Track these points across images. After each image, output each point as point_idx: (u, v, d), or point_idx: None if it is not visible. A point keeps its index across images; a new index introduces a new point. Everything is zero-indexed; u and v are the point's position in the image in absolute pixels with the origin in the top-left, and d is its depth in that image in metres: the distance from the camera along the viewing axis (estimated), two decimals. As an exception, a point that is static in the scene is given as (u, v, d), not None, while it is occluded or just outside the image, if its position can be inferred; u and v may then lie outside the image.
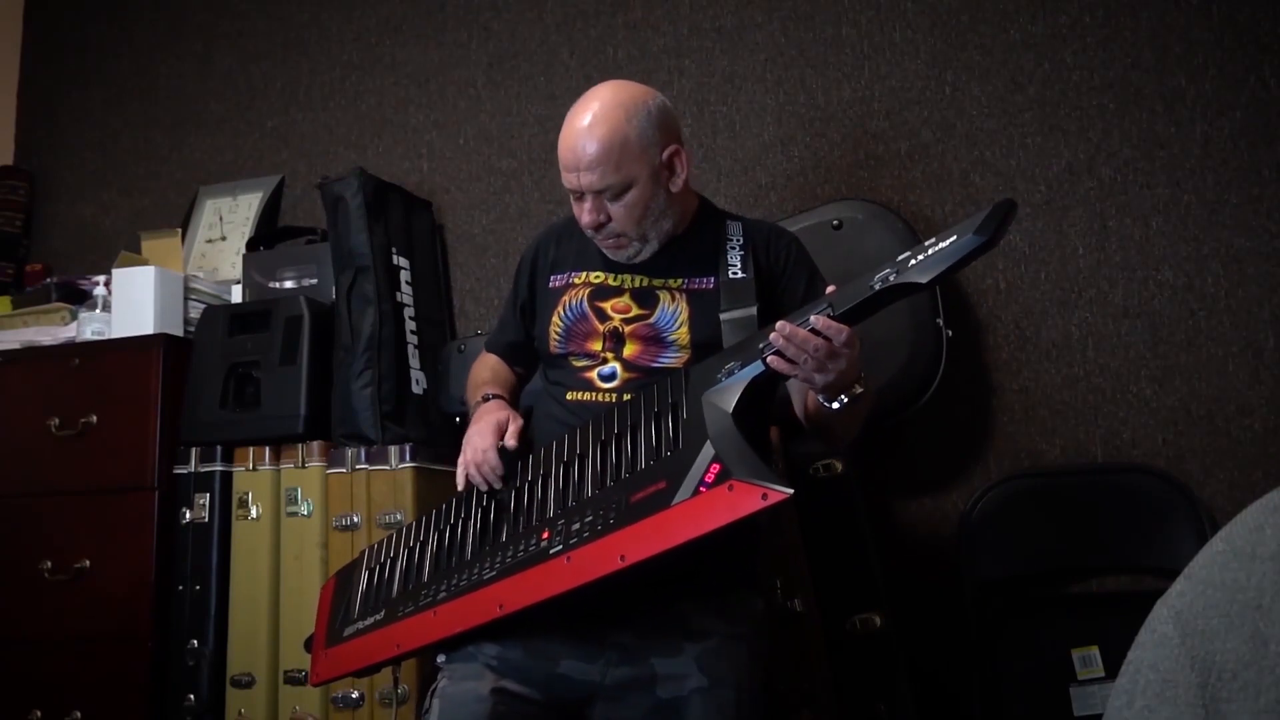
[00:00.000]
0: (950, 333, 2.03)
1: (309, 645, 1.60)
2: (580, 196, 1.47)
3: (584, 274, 1.55)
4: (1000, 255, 2.16)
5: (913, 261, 1.16)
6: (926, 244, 1.17)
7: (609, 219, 1.46)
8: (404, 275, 2.38)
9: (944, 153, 2.23)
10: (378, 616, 1.45)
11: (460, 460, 1.47)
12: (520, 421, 1.49)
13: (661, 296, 1.49)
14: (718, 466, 1.18)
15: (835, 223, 2.08)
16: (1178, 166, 2.08)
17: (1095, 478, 2.02)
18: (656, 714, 1.33)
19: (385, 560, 1.54)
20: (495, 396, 1.57)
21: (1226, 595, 0.76)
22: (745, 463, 1.17)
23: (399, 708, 1.96)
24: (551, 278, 1.59)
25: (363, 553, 1.63)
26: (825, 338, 1.22)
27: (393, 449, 2.12)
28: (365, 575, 1.56)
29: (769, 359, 1.26)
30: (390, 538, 1.58)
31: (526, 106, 2.62)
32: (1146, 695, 0.78)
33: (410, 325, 2.35)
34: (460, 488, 1.47)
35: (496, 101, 2.65)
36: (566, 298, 1.54)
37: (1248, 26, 2.06)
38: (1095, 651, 1.86)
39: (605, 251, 1.52)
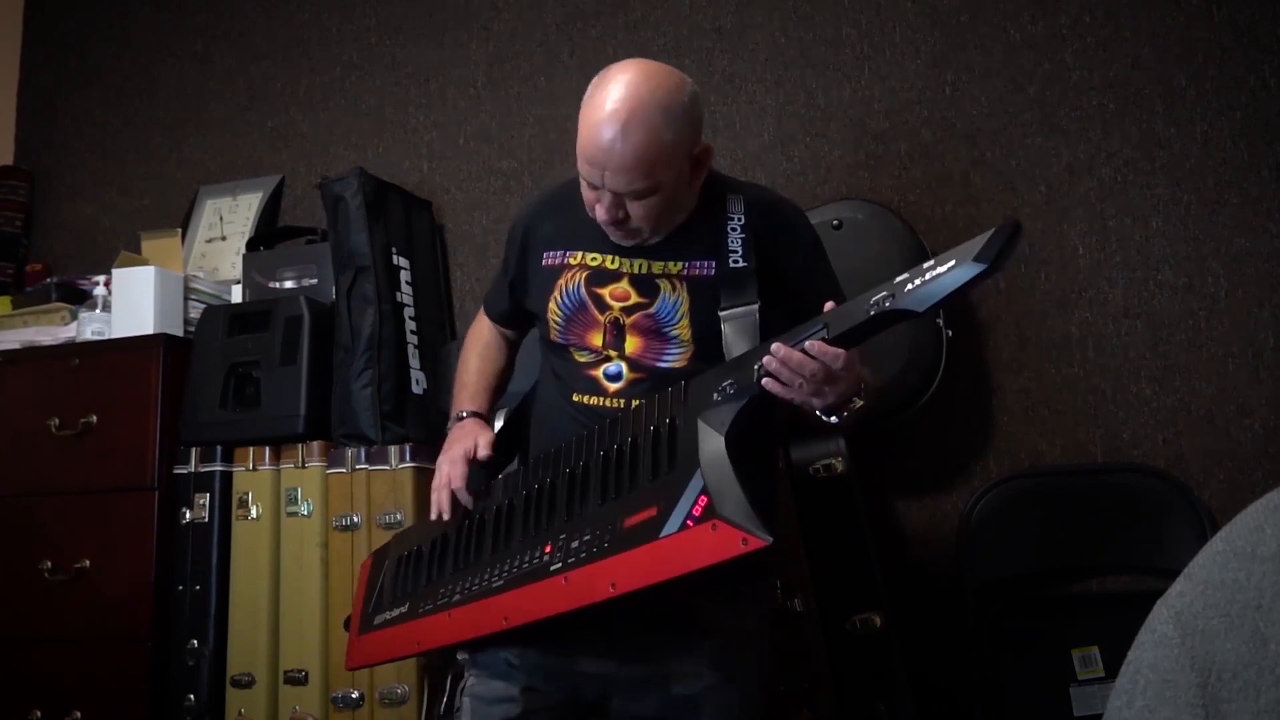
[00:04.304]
0: (950, 333, 2.03)
1: (348, 624, 1.64)
2: (597, 188, 1.37)
3: (579, 254, 1.48)
4: (1000, 255, 2.16)
5: (909, 286, 1.12)
6: (925, 267, 1.12)
7: (627, 217, 1.38)
8: (404, 275, 2.38)
9: (944, 153, 2.23)
10: (402, 610, 1.49)
11: (433, 484, 1.50)
12: (491, 433, 1.51)
13: (662, 286, 1.44)
14: (705, 500, 1.17)
15: (835, 223, 2.08)
16: (1178, 166, 2.08)
17: (1095, 478, 2.02)
18: (671, 710, 1.35)
19: (413, 549, 1.56)
20: (473, 414, 1.57)
21: (1226, 595, 0.76)
22: (731, 500, 1.15)
23: (399, 707, 1.97)
24: (545, 254, 1.51)
25: (396, 536, 1.67)
26: (821, 362, 1.19)
27: (393, 449, 2.12)
28: (395, 563, 1.58)
29: (765, 383, 1.23)
30: (418, 524, 1.63)
31: (526, 107, 2.62)
32: (1146, 695, 0.78)
33: (410, 325, 2.35)
34: (432, 517, 1.49)
35: (496, 101, 2.65)
36: (563, 280, 1.48)
37: (1248, 26, 2.06)
38: (1095, 651, 1.86)
39: (611, 236, 1.45)
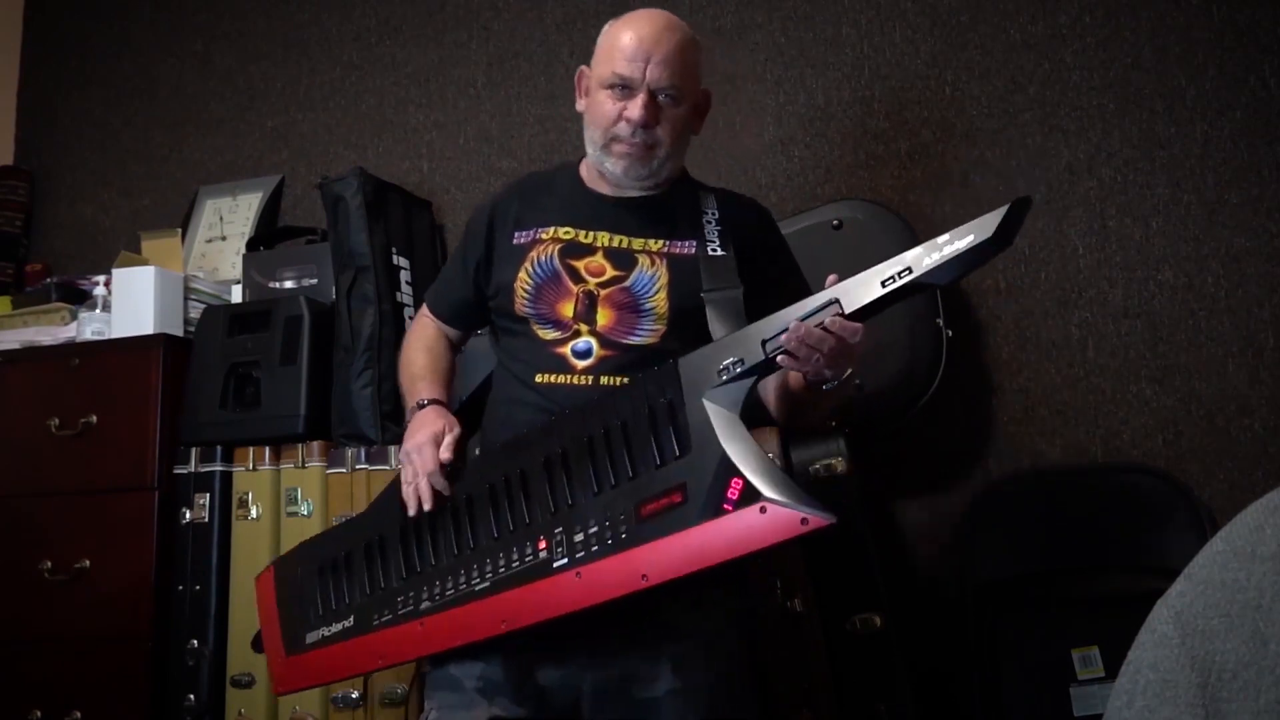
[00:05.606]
0: (950, 333, 2.03)
1: (258, 645, 1.52)
2: (630, 93, 1.42)
3: (551, 229, 1.47)
4: (1000, 255, 2.15)
5: (927, 260, 1.13)
6: (940, 241, 1.14)
7: (658, 121, 1.43)
8: (404, 275, 2.38)
9: (944, 153, 2.23)
10: (346, 624, 1.38)
11: (403, 479, 1.40)
12: (457, 430, 1.41)
13: (640, 259, 1.44)
14: (739, 483, 1.13)
15: (835, 223, 2.08)
16: (1178, 166, 2.08)
17: (1095, 478, 2.02)
18: (634, 714, 1.31)
19: (336, 557, 1.45)
20: (433, 402, 1.49)
21: (1226, 595, 0.76)
22: (774, 481, 1.12)
23: (397, 708, 1.96)
24: (515, 234, 1.50)
25: (300, 547, 1.54)
26: (840, 337, 1.19)
27: (393, 449, 2.11)
28: (316, 576, 1.46)
29: (779, 359, 1.21)
30: (330, 532, 1.48)
31: (526, 106, 2.62)
32: (1146, 695, 0.78)
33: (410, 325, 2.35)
34: (411, 512, 1.38)
35: (496, 101, 2.65)
36: (534, 253, 1.46)
37: (1248, 26, 2.06)
38: (1095, 651, 1.85)
39: (618, 161, 1.45)
